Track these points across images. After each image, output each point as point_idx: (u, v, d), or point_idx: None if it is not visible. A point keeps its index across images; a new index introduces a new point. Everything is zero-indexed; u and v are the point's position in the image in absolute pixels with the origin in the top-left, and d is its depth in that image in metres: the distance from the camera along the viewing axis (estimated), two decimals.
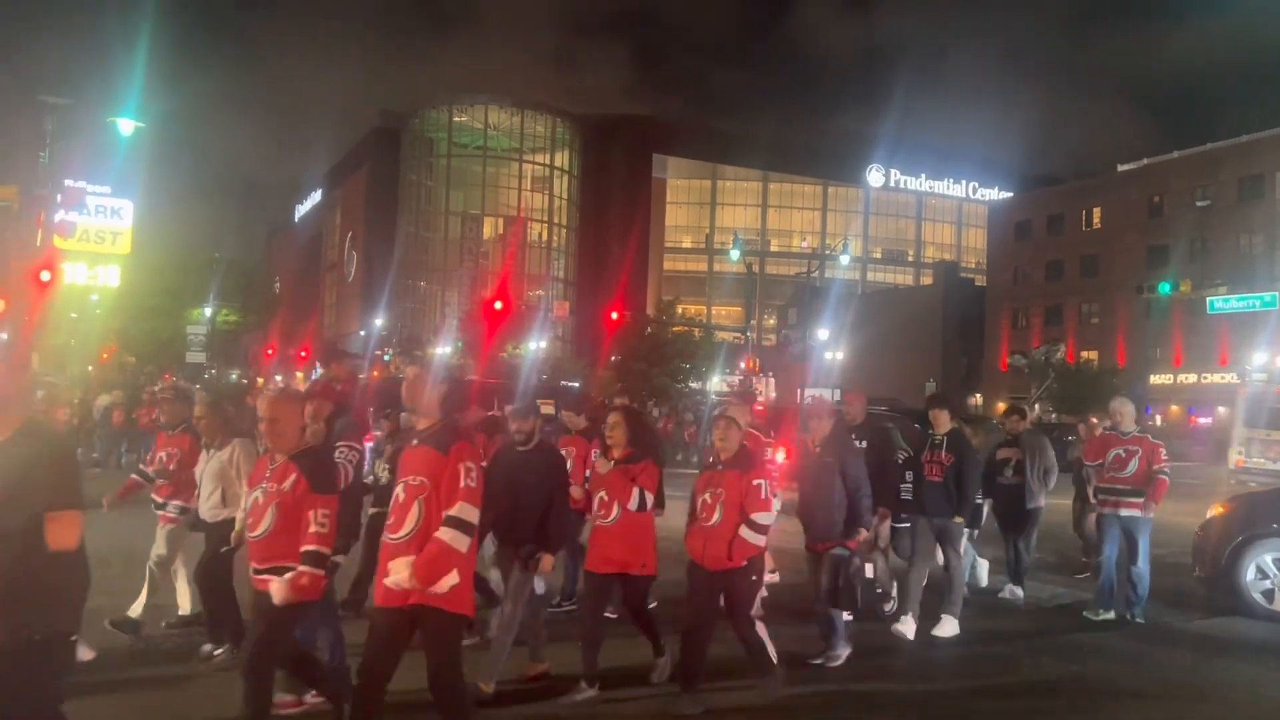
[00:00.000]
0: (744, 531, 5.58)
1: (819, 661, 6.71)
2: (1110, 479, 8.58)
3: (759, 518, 5.60)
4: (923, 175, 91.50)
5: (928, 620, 7.67)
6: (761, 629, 5.80)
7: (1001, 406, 58.19)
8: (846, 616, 6.85)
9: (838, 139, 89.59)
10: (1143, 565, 8.43)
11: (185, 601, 7.16)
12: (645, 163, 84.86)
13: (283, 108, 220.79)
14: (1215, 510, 9.68)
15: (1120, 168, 60.30)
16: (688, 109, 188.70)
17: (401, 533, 4.12)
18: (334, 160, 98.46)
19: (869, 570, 7.08)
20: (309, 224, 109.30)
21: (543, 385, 44.08)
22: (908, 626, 7.53)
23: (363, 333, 71.39)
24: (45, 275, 24.54)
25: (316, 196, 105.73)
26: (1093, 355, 55.06)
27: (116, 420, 21.74)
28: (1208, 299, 37.08)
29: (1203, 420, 48.22)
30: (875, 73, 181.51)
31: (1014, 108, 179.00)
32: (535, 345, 54.59)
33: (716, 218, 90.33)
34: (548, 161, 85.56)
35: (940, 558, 7.96)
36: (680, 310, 53.41)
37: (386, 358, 62.78)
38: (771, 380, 60.92)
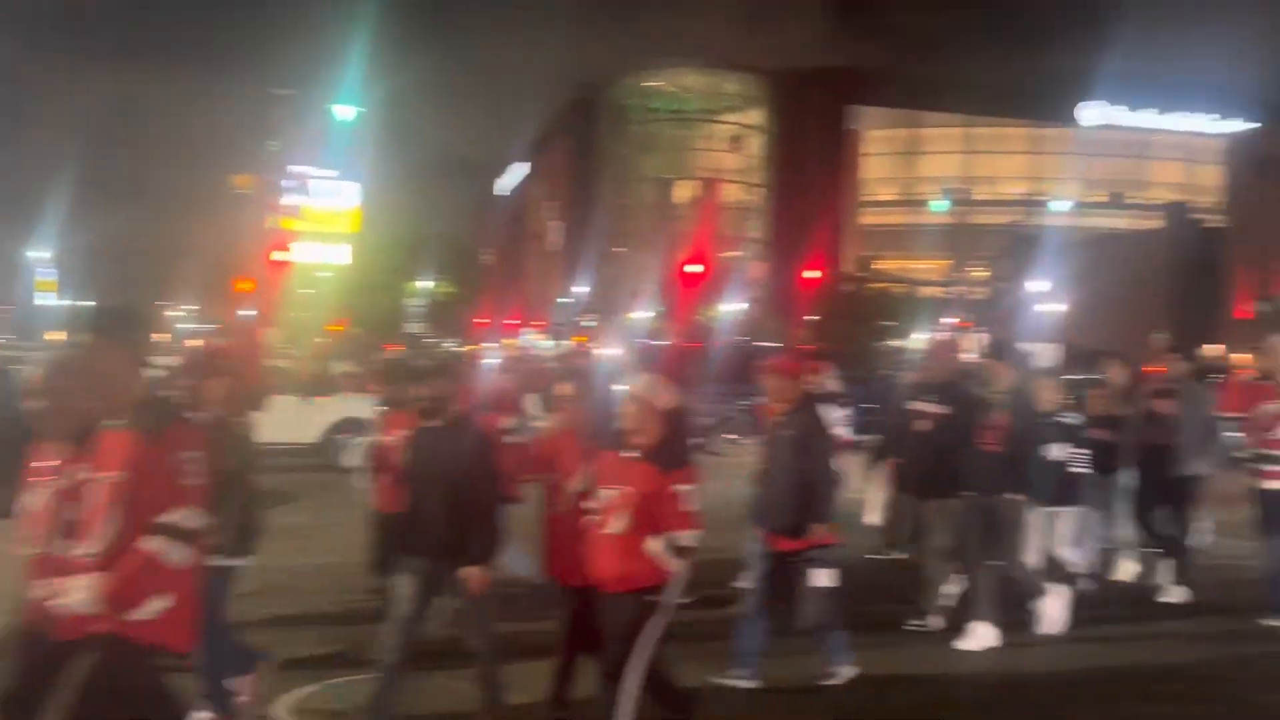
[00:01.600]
0: (655, 548, 4.21)
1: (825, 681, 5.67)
2: (1263, 442, 6.86)
3: (681, 538, 4.22)
4: (1146, 110, 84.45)
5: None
6: (636, 684, 4.19)
7: (1245, 358, 53.87)
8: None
9: (1046, 77, 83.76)
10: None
11: None
12: (839, 115, 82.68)
13: (490, 85, 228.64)
14: None
15: None
16: (885, 56, 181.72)
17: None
18: (535, 133, 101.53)
19: (822, 579, 5.50)
20: (513, 196, 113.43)
21: (742, 347, 44.09)
22: (970, 639, 6.38)
23: (566, 300, 73.65)
24: (279, 255, 26.65)
25: (519, 170, 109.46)
26: None
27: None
28: None
29: None
30: (1089, 1, 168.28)
31: (1259, 25, 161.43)
32: (733, 307, 54.57)
33: (916, 167, 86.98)
34: (740, 121, 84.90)
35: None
36: (879, 265, 51.98)
37: (589, 324, 64.57)
38: (983, 336, 58.32)
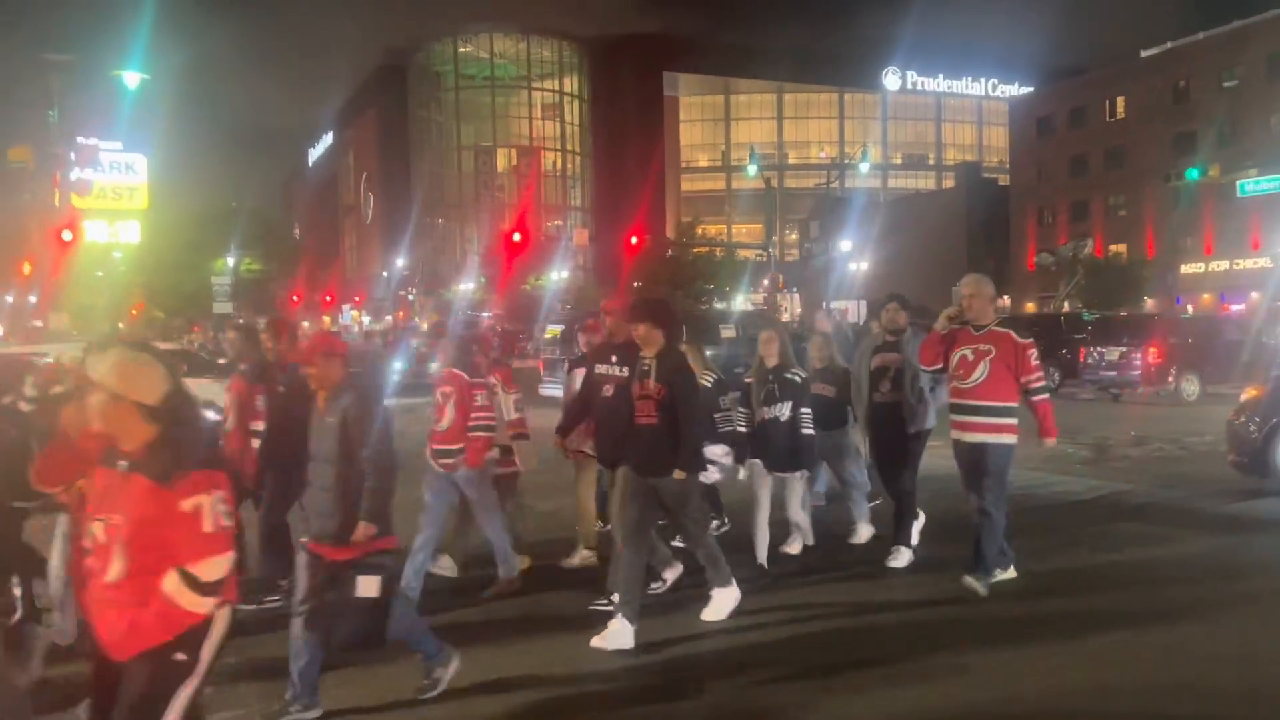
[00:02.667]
0: (172, 588, 2.93)
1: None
2: (955, 390, 6.14)
3: (205, 569, 2.93)
4: (940, 75, 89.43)
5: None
6: None
7: (1031, 307, 58.01)
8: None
9: (853, 44, 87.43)
10: (996, 514, 5.99)
11: None
12: (656, 82, 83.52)
13: (292, 52, 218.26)
14: (1248, 393, 9.60)
15: (1144, 53, 58.56)
16: (699, 22, 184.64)
17: None
18: (343, 101, 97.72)
19: (369, 587, 4.41)
20: (323, 168, 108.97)
21: (567, 314, 44.16)
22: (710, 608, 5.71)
23: (385, 274, 71.62)
24: (67, 235, 24.73)
25: (329, 140, 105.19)
26: (1121, 248, 54.21)
27: None
28: (1238, 183, 36.25)
29: (1235, 307, 47.55)
30: None
31: None
32: (557, 275, 54.53)
33: (732, 134, 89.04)
34: (557, 88, 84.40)
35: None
36: (700, 230, 53.09)
37: (410, 297, 63.18)
38: (796, 296, 60.65)
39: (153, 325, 48.70)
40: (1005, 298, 62.55)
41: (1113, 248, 54.60)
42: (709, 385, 6.71)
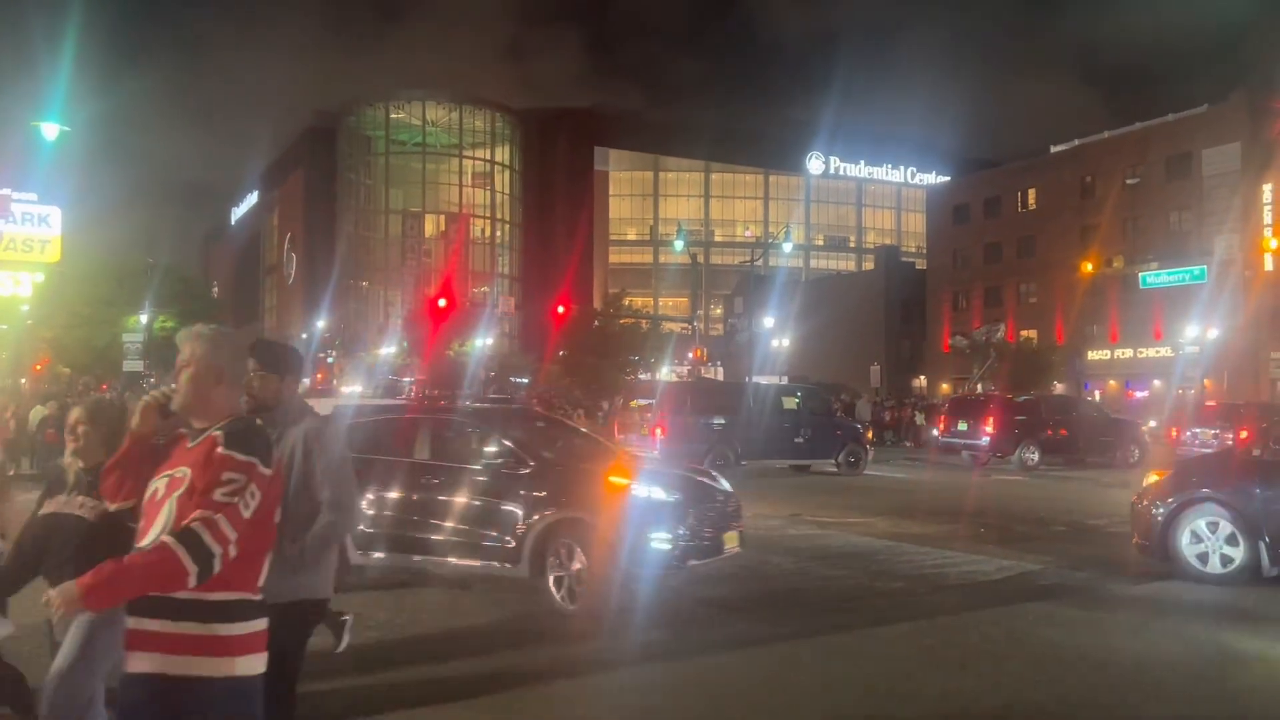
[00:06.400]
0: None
1: None
2: None
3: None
4: (861, 162, 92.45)
5: None
6: None
7: (946, 388, 59.39)
8: None
9: (779, 127, 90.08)
10: None
11: None
12: (587, 156, 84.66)
13: (219, 108, 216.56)
14: (1150, 478, 9.93)
15: (1054, 149, 61.52)
16: (631, 100, 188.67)
17: None
18: (270, 161, 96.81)
19: None
20: (246, 227, 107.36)
21: (491, 381, 43.81)
22: None
23: (304, 335, 70.36)
24: None
25: (253, 199, 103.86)
26: (1032, 334, 56.16)
27: (49, 436, 21.14)
28: (1140, 274, 38.03)
29: (1139, 394, 49.42)
30: (821, 59, 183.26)
31: (955, 91, 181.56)
32: (482, 342, 54.22)
33: (660, 209, 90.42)
34: (488, 157, 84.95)
35: None
36: (627, 302, 53.53)
37: (330, 360, 62.05)
38: (720, 369, 61.27)
39: (58, 381, 46.95)
40: (921, 377, 64.22)
41: (1024, 333, 56.52)
42: None
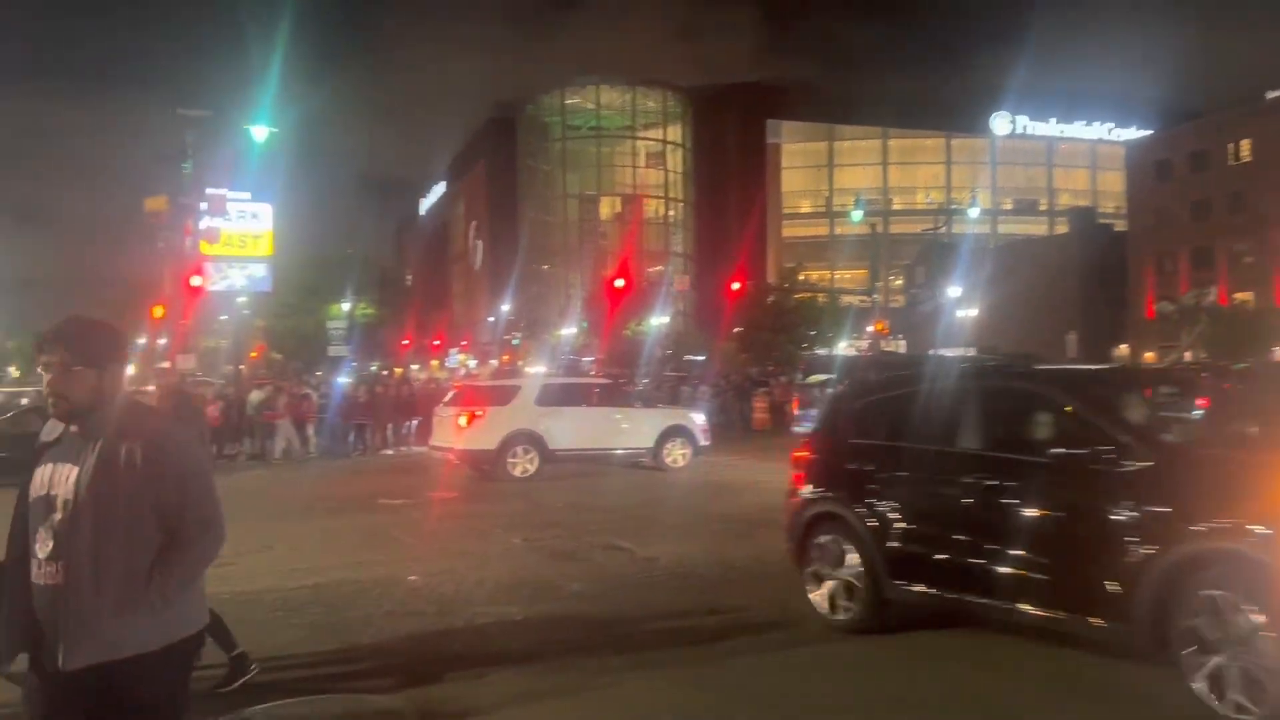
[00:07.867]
0: None
1: None
2: None
3: None
4: (1053, 119, 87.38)
5: None
6: None
7: (1151, 356, 55.90)
8: None
9: (960, 89, 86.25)
10: None
11: None
12: (759, 129, 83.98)
13: (409, 105, 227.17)
14: None
15: (1269, 95, 56.28)
16: (805, 71, 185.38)
17: None
18: (455, 153, 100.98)
19: None
20: (435, 217, 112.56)
21: (667, 360, 44.32)
22: None
23: (491, 319, 73.26)
24: (196, 280, 26.11)
25: (440, 189, 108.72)
26: (1248, 296, 51.85)
27: (267, 417, 22.94)
28: None
29: None
30: (1005, 12, 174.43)
31: (1156, 37, 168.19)
32: (658, 321, 54.86)
33: (835, 180, 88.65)
34: (661, 137, 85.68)
35: None
36: (802, 276, 52.88)
37: (515, 342, 64.38)
38: (903, 343, 59.64)
39: (272, 367, 50.77)
40: (1124, 345, 60.36)
41: (1238, 296, 52.29)
42: None
